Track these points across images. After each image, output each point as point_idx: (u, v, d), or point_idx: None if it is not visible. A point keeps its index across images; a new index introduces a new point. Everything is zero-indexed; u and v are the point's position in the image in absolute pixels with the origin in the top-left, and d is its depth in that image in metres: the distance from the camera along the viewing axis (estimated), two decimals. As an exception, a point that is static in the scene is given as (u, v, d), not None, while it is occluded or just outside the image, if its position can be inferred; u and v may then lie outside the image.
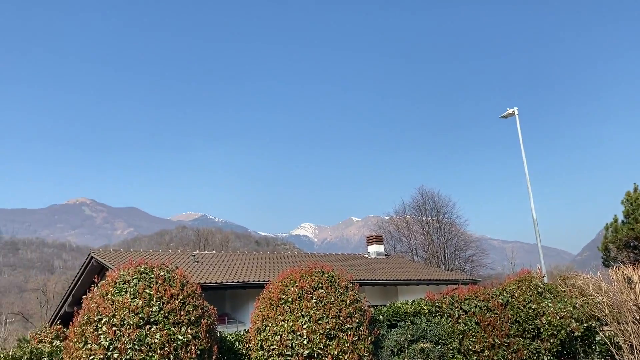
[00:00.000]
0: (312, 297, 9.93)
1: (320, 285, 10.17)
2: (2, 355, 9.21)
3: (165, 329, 8.41)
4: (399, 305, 12.05)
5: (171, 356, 8.29)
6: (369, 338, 9.99)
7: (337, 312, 9.78)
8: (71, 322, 9.14)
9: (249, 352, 10.47)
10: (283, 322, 9.76)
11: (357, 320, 9.91)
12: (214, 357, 9.03)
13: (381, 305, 12.38)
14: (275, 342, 9.68)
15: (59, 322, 22.35)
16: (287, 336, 9.61)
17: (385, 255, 32.36)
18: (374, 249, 30.75)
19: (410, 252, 47.19)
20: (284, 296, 10.12)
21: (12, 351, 9.44)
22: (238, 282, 19.69)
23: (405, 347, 10.76)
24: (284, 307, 9.96)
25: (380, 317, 11.52)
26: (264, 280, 18.55)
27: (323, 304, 9.84)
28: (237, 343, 10.65)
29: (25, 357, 9.29)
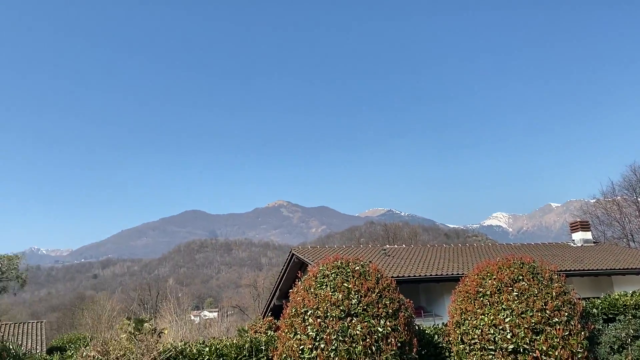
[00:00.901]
0: (512, 289, 9.42)
1: (520, 277, 9.59)
2: (228, 344, 10.48)
3: (365, 321, 8.72)
4: (617, 297, 10.82)
5: (373, 347, 8.57)
6: (582, 333, 9.11)
7: (542, 306, 9.11)
8: (281, 314, 10.02)
9: (449, 346, 10.32)
10: (483, 316, 9.42)
11: (566, 313, 9.11)
12: (414, 350, 9.09)
13: (594, 298, 11.23)
14: (476, 336, 9.39)
15: (269, 314, 24.64)
16: (489, 330, 9.24)
17: (594, 242, 29.21)
18: (579, 236, 27.97)
19: (625, 237, 41.93)
20: (481, 289, 9.77)
21: (235, 340, 10.68)
22: (432, 275, 19.53)
23: (628, 344, 9.58)
24: (482, 301, 9.62)
25: (594, 310, 10.47)
26: (458, 273, 18.11)
27: (525, 296, 9.26)
28: (436, 336, 10.59)
29: (247, 345, 10.45)
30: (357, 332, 8.61)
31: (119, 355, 9.64)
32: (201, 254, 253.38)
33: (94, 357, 9.61)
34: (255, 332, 17.63)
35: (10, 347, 9.96)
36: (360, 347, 8.52)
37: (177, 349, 10.25)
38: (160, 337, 10.49)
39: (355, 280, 9.20)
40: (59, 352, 10.63)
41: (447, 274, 19.54)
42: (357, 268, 9.53)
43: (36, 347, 24.55)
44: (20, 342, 10.20)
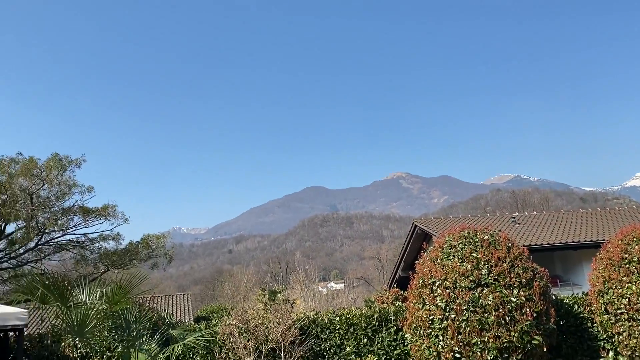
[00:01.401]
0: (664, 255, 8.55)
1: (673, 241, 8.66)
2: (357, 313, 10.76)
3: (497, 291, 8.45)
4: None
5: (506, 318, 8.29)
6: None
7: (702, 273, 8.17)
8: (409, 285, 10.04)
9: (591, 316, 9.68)
10: (630, 284, 8.69)
11: None
12: (551, 320, 8.64)
13: None
14: (622, 306, 8.70)
15: (395, 285, 24.75)
16: (637, 299, 8.50)
17: None
18: None
19: None
20: (627, 255, 8.99)
21: (364, 310, 10.92)
22: (567, 242, 18.34)
23: None
24: (628, 268, 8.86)
25: None
26: (598, 240, 16.82)
27: (681, 263, 8.36)
28: (575, 306, 9.97)
29: (376, 315, 10.65)
30: (489, 302, 8.38)
31: (257, 323, 10.31)
32: (324, 228, 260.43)
33: (235, 326, 10.37)
34: (382, 302, 17.84)
35: (165, 316, 11.08)
36: (492, 318, 8.29)
37: (310, 318, 10.72)
38: (292, 307, 11.04)
39: (484, 250, 8.92)
40: (205, 321, 11.63)
41: (585, 241, 18.27)
42: (486, 237, 9.22)
43: (184, 316, 27.10)
44: (171, 312, 11.43)
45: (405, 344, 10.38)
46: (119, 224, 19.55)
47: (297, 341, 10.28)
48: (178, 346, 9.88)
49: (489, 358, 8.24)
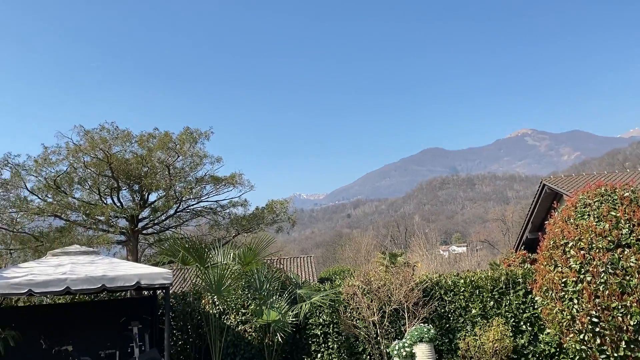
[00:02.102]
0: None
1: None
2: (483, 276, 10.48)
3: (641, 253, 7.74)
4: None
5: (653, 281, 7.59)
6: None
7: None
8: (537, 247, 9.54)
9: None
10: None
11: None
12: None
13: None
14: None
15: (522, 247, 23.65)
16: None
17: None
18: None
19: None
20: None
21: (490, 273, 10.61)
22: None
23: None
24: None
25: None
26: None
27: None
28: None
29: (503, 277, 10.31)
30: (631, 264, 7.71)
31: (379, 285, 10.46)
32: (443, 191, 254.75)
33: (358, 286, 10.62)
34: (509, 265, 17.19)
35: (291, 276, 11.64)
36: (635, 281, 7.64)
37: (433, 280, 10.65)
38: (413, 269, 11.03)
39: (624, 208, 8.17)
40: (328, 282, 12.05)
41: None
42: (627, 195, 8.43)
43: (308, 277, 28.33)
44: (297, 273, 12.11)
45: (535, 306, 9.97)
46: (245, 191, 20.80)
47: (421, 303, 10.30)
48: (306, 304, 10.37)
49: (631, 323, 7.63)
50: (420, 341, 9.36)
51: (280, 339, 9.92)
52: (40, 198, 17.29)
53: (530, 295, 10.12)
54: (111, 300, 12.89)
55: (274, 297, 10.56)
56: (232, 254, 10.38)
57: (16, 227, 17.36)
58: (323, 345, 10.76)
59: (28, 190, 17.16)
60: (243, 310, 10.95)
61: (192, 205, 19.49)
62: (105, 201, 18.32)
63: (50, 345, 10.66)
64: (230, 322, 10.81)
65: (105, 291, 10.65)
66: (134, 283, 9.14)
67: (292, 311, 10.37)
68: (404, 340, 9.57)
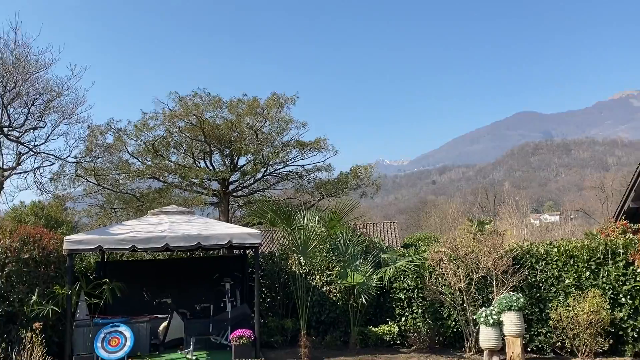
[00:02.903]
0: None
1: None
2: (579, 245, 9.97)
3: None
4: None
5: None
6: None
7: None
8: (642, 216, 8.89)
9: None
10: None
11: None
12: None
13: None
14: None
15: (623, 217, 22.12)
16: None
17: None
18: None
19: None
20: None
21: (586, 242, 10.06)
22: None
23: None
24: None
25: None
26: None
27: None
28: None
29: (601, 247, 9.76)
30: None
31: (467, 251, 10.27)
32: (536, 157, 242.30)
33: (445, 253, 10.49)
34: (607, 235, 16.18)
35: (376, 241, 11.71)
36: None
37: (524, 249, 10.29)
38: (502, 237, 10.69)
39: None
40: (413, 248, 12.00)
41: None
42: None
43: (391, 243, 28.34)
44: (381, 238, 12.13)
45: (638, 279, 9.38)
46: (330, 156, 20.96)
47: (510, 271, 10.01)
48: (390, 269, 10.43)
49: None
50: (509, 309, 9.14)
51: (364, 301, 10.09)
52: (140, 161, 18.49)
53: (631, 267, 9.51)
54: (205, 257, 13.68)
55: (358, 261, 10.70)
56: (317, 217, 10.59)
57: (119, 188, 18.75)
58: (407, 309, 10.81)
59: (129, 154, 18.38)
60: (328, 272, 11.22)
61: (279, 169, 19.97)
62: (198, 164, 19.24)
63: (152, 297, 11.54)
64: (316, 283, 11.12)
65: (200, 249, 11.29)
66: (226, 242, 9.62)
67: (377, 275, 10.46)
68: (491, 307, 9.39)
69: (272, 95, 18.81)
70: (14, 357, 8.32)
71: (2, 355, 8.17)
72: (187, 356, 9.64)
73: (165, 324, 10.73)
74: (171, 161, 18.85)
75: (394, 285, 10.89)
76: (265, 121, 18.81)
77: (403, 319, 10.78)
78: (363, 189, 20.91)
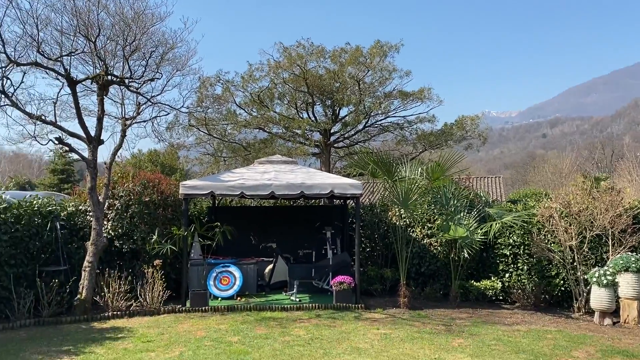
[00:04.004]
0: None
1: None
2: None
3: None
4: None
5: None
6: None
7: None
8: None
9: None
10: None
11: None
12: None
13: None
14: None
15: None
16: None
17: None
18: None
19: None
20: None
21: None
22: None
23: None
24: None
25: None
26: None
27: None
28: None
29: None
30: None
31: (581, 208, 9.66)
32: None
33: (556, 209, 9.93)
34: None
35: (481, 194, 11.34)
36: None
37: (647, 207, 9.47)
38: (621, 195, 9.88)
39: None
40: (520, 203, 11.46)
41: None
42: None
43: (497, 199, 27.28)
44: (487, 192, 11.65)
45: None
46: (433, 107, 20.36)
47: (629, 230, 9.29)
48: (496, 224, 10.08)
49: None
50: (626, 270, 8.54)
51: (466, 255, 9.89)
52: (246, 112, 19.15)
53: None
54: (307, 206, 14.08)
55: (462, 214, 10.45)
56: (419, 170, 10.41)
57: (228, 138, 19.65)
58: (512, 265, 10.46)
59: (236, 105, 19.08)
60: (429, 225, 11.09)
61: (380, 120, 19.74)
62: (301, 115, 19.55)
63: (258, 241, 12.16)
64: (416, 235, 11.06)
65: (303, 197, 11.60)
66: (328, 191, 9.79)
67: (481, 229, 10.18)
68: (605, 267, 8.83)
69: (375, 44, 18.40)
70: (138, 289, 9.23)
71: (129, 287, 9.09)
72: (291, 297, 10.13)
73: (270, 267, 11.30)
74: (275, 112, 19.31)
75: (499, 240, 10.55)
76: (368, 70, 18.53)
77: (507, 275, 10.47)
78: (468, 141, 20.17)
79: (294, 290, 10.18)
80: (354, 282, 9.71)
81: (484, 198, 11.29)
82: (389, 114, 19.66)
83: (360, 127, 19.72)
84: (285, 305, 9.35)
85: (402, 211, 10.91)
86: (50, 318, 8.33)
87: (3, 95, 8.63)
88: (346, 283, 9.56)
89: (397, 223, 11.06)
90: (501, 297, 10.47)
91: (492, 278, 10.54)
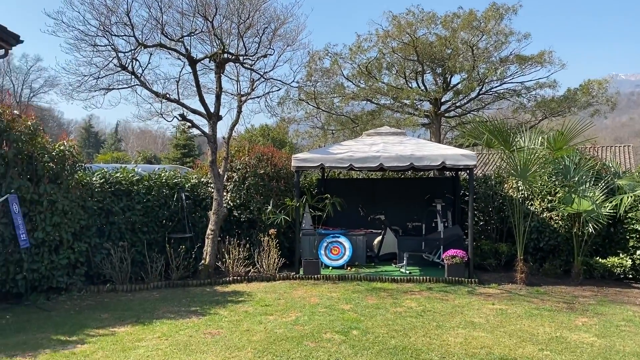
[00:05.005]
0: None
1: None
2: None
3: None
4: None
5: None
6: None
7: None
8: None
9: None
10: None
11: None
12: None
13: None
14: None
15: None
16: None
17: None
18: None
19: None
20: None
21: None
22: None
23: None
24: None
25: None
26: None
27: None
28: None
29: None
30: None
31: None
32: None
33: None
34: None
35: (610, 165, 10.44)
36: None
37: None
38: None
39: None
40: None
41: None
42: None
43: (627, 169, 24.91)
44: (617, 162, 10.57)
45: None
46: (555, 71, 18.84)
47: None
48: (628, 197, 9.24)
49: None
50: None
51: (592, 230, 9.19)
52: (354, 84, 19.06)
53: None
54: (416, 178, 13.87)
55: (586, 186, 9.70)
56: (539, 139, 9.77)
57: (336, 110, 19.77)
58: (645, 242, 9.56)
59: (344, 77, 19.07)
60: (549, 197, 10.43)
61: (495, 87, 18.65)
62: (410, 85, 19.09)
63: (367, 213, 12.23)
64: (535, 208, 10.46)
65: (412, 169, 11.43)
66: (439, 163, 9.55)
67: (610, 202, 9.39)
68: None
69: (490, 6, 17.33)
70: (255, 256, 9.75)
71: (247, 254, 9.63)
72: (401, 270, 10.12)
73: (379, 238, 11.35)
74: (383, 82, 19.05)
75: (630, 214, 9.67)
76: (482, 35, 17.56)
77: (638, 252, 9.60)
78: (594, 107, 18.51)
79: (404, 263, 10.15)
80: (467, 256, 9.46)
81: (612, 169, 10.38)
82: (505, 80, 18.54)
83: (473, 95, 18.83)
84: (395, 277, 9.36)
85: (520, 183, 10.36)
86: (179, 281, 9.07)
87: (133, 76, 9.38)
88: (459, 257, 9.34)
89: (514, 195, 10.53)
90: (630, 276, 9.66)
91: (621, 255, 9.72)
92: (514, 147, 9.62)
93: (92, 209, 8.77)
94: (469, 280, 9.19)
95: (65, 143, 8.31)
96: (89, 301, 7.82)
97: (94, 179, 9.14)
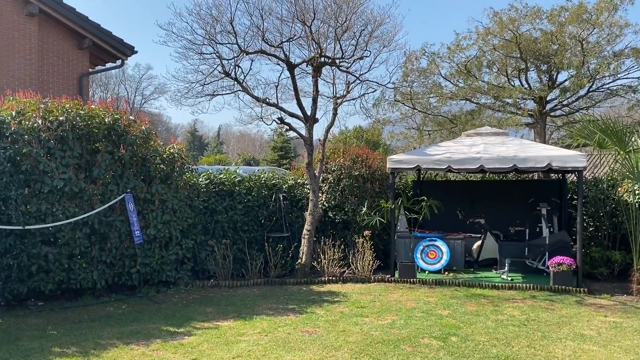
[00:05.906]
0: None
1: None
2: None
3: None
4: None
5: None
6: None
7: None
8: None
9: None
10: None
11: None
12: None
13: None
14: None
15: None
16: None
17: None
18: None
19: None
20: None
21: None
22: None
23: None
24: None
25: None
26: None
27: None
28: None
29: None
30: None
31: None
32: None
33: None
34: None
35: None
36: None
37: None
38: None
39: None
40: None
41: None
42: None
43: None
44: None
45: None
46: (679, 64, 17.13)
47: None
48: None
49: None
50: None
51: None
52: (452, 83, 18.53)
53: None
54: (519, 180, 13.23)
55: None
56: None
57: (433, 111, 19.36)
58: None
59: (442, 77, 18.61)
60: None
61: (607, 83, 17.29)
62: (512, 83, 18.22)
63: (465, 216, 11.85)
64: None
65: (515, 171, 10.93)
66: (544, 165, 9.06)
67: None
68: None
69: (605, -4, 16.08)
70: (350, 258, 9.81)
71: (341, 254, 9.73)
72: (502, 276, 9.70)
73: (478, 243, 10.95)
74: (483, 81, 18.36)
75: None
76: (593, 28, 16.36)
77: None
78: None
79: (505, 269, 9.72)
80: (575, 263, 8.87)
81: None
82: (619, 75, 17.11)
83: (582, 92, 17.58)
84: (496, 284, 8.99)
85: (637, 187, 9.54)
86: (276, 278, 9.35)
87: (236, 82, 9.82)
88: (566, 264, 8.78)
89: (630, 200, 9.71)
90: None
91: None
92: (630, 148, 8.88)
93: (198, 208, 9.30)
94: (577, 289, 8.61)
95: (175, 146, 8.90)
96: (194, 295, 8.29)
97: (200, 179, 9.69)
